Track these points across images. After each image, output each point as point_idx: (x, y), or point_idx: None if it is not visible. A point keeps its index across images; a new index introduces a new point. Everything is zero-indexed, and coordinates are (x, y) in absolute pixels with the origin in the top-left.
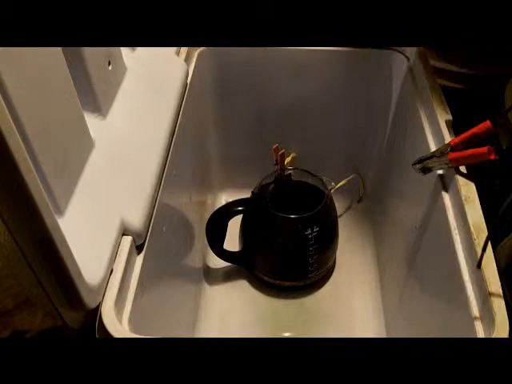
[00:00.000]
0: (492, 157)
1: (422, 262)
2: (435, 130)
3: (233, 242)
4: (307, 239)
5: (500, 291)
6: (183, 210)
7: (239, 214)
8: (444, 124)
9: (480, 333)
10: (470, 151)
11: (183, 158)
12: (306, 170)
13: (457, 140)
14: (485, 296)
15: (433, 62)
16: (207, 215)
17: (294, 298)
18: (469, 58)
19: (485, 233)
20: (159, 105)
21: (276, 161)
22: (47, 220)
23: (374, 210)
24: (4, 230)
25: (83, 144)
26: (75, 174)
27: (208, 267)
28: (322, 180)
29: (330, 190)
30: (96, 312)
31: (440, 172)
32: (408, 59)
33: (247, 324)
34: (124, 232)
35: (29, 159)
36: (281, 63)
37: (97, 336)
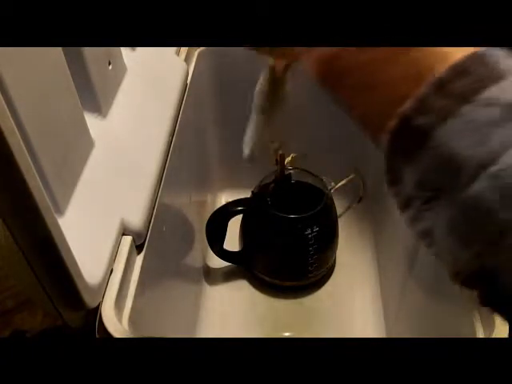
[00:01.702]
0: None
1: (421, 261)
2: None
3: (233, 242)
4: (307, 239)
5: None
6: (183, 210)
7: (239, 213)
8: None
9: (480, 333)
10: None
11: (183, 157)
12: (305, 170)
13: None
14: None
15: None
16: (207, 215)
17: (294, 297)
18: None
19: None
20: (159, 105)
21: (276, 161)
22: (47, 220)
23: (373, 209)
24: (4, 230)
25: (83, 144)
26: (75, 174)
27: (208, 267)
28: (322, 180)
29: (330, 190)
30: (96, 312)
31: None
32: None
33: (247, 324)
34: (124, 232)
35: (29, 159)
36: None
37: (97, 336)
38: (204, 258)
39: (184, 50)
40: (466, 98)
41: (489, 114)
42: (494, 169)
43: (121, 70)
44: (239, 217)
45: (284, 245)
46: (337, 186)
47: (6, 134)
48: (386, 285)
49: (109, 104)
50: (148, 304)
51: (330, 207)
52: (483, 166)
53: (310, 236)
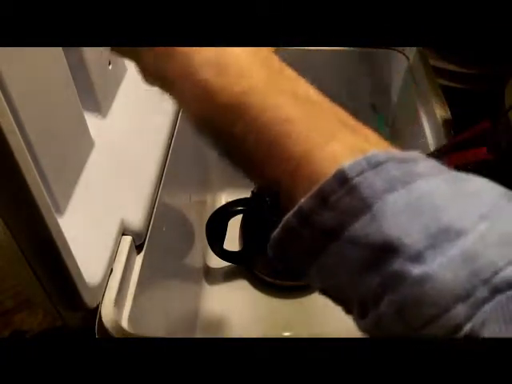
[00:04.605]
0: (490, 156)
1: None
2: (435, 130)
3: (233, 242)
4: None
5: None
6: (183, 210)
7: (239, 213)
8: (443, 124)
9: None
10: (469, 151)
11: (183, 157)
12: None
13: (456, 140)
14: None
15: (433, 62)
16: (207, 215)
17: (293, 297)
18: (469, 58)
19: None
20: (159, 104)
21: None
22: (48, 220)
23: None
24: (4, 230)
25: (83, 144)
26: (75, 174)
27: (208, 267)
28: None
29: None
30: (96, 312)
31: None
32: (408, 59)
33: (247, 324)
34: (124, 232)
35: (29, 159)
36: None
37: (96, 336)
38: (204, 257)
39: None
40: (334, 234)
41: (357, 254)
42: (381, 309)
43: (121, 70)
44: (239, 217)
45: None
46: None
47: (7, 133)
48: None
49: (109, 104)
50: (148, 304)
51: None
52: (374, 302)
53: None
